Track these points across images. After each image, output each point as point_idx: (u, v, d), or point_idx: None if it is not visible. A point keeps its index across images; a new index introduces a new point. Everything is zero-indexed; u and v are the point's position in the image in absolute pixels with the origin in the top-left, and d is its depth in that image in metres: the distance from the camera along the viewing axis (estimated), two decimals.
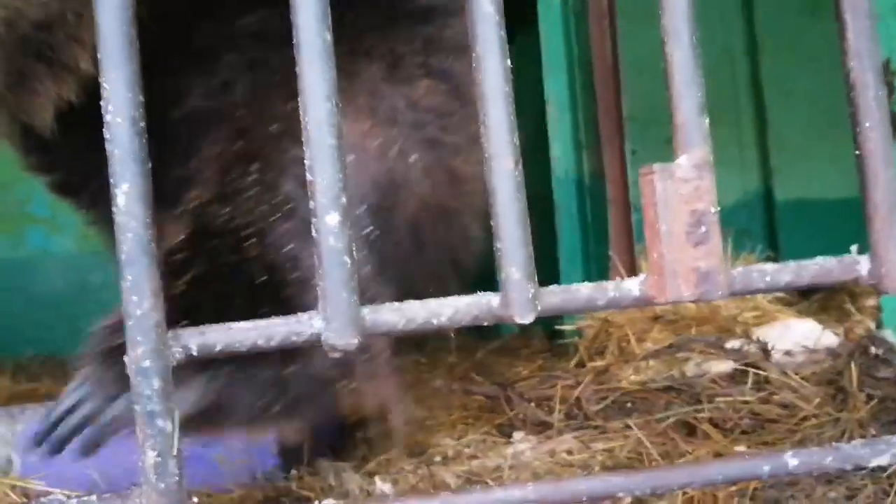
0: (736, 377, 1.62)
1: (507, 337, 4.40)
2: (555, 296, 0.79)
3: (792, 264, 0.83)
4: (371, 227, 1.20)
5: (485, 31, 0.78)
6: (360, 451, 2.15)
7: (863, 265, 0.83)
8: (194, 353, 0.76)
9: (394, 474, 1.78)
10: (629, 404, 1.73)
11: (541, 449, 1.75)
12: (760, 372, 1.57)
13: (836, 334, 1.76)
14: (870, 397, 1.30)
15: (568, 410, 1.88)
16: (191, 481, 1.75)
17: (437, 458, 1.96)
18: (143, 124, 0.73)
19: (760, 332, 1.82)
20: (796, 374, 1.53)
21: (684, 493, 1.34)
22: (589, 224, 4.12)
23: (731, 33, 4.34)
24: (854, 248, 0.85)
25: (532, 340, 4.22)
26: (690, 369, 1.83)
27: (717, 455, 1.34)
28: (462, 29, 1.47)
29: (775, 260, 1.47)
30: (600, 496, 0.79)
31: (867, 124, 0.83)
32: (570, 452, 1.64)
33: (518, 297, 0.77)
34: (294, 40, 0.76)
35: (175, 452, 0.74)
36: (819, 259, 0.84)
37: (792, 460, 0.83)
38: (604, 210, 3.99)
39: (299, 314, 0.78)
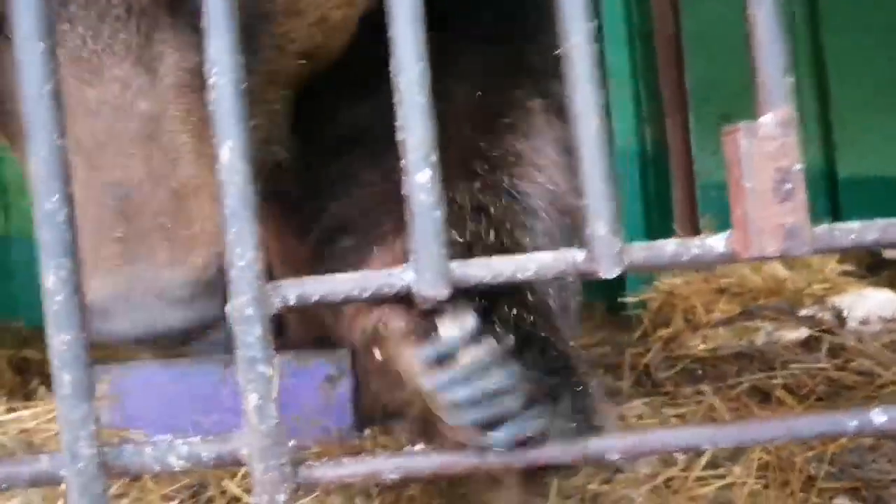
0: (810, 344, 1.61)
1: None
2: (640, 251, 0.81)
3: (880, 221, 0.84)
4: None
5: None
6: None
7: None
8: (292, 303, 0.79)
9: None
10: (699, 371, 1.73)
11: (612, 414, 1.77)
12: (835, 339, 1.57)
13: None
14: None
15: (637, 378, 1.89)
16: None
17: None
18: (244, 86, 0.76)
19: (835, 300, 1.81)
20: (874, 341, 1.52)
21: (760, 459, 1.35)
22: (652, 197, 4.09)
23: (792, 5, 4.26)
24: None
25: (593, 314, 4.23)
26: (761, 337, 1.82)
27: None
28: None
29: None
30: (685, 448, 0.80)
31: None
32: (640, 417, 1.66)
33: (604, 252, 0.79)
34: (385, 7, 0.78)
35: (274, 396, 0.78)
36: None
37: (879, 417, 0.83)
38: (667, 183, 3.96)
39: (392, 268, 0.81)
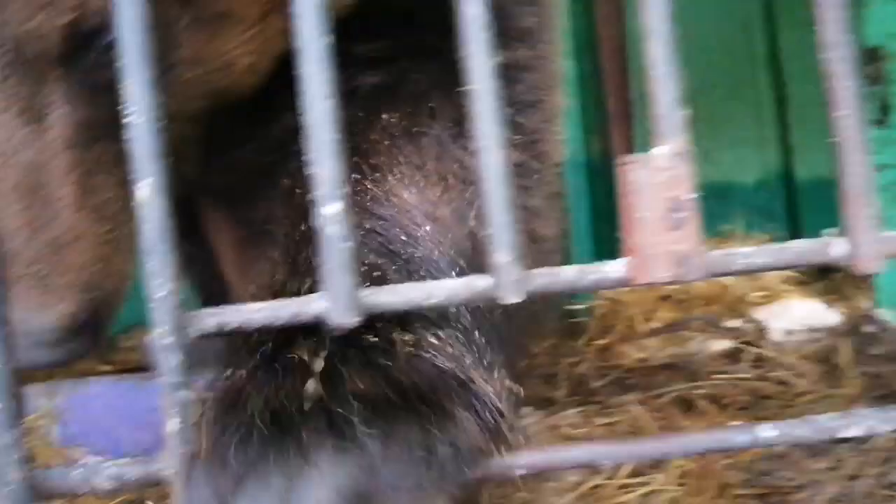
0: (734, 355, 1.67)
1: None
2: (541, 278, 0.85)
3: (769, 247, 0.89)
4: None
5: (470, 29, 0.83)
6: None
7: (838, 248, 0.88)
8: (210, 331, 0.82)
9: None
10: (630, 381, 1.79)
11: (545, 423, 1.82)
12: (758, 350, 1.63)
13: (842, 313, 1.80)
14: (862, 374, 1.35)
15: (573, 387, 1.94)
16: None
17: None
18: (161, 124, 0.79)
19: (760, 312, 1.87)
20: (795, 352, 1.58)
21: (681, 466, 1.40)
22: (600, 207, 4.16)
23: (749, 7, 4.31)
24: (831, 231, 0.90)
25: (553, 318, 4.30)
26: (693, 347, 1.88)
27: None
28: (534, 83, 1.45)
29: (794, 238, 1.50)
30: (581, 465, 0.84)
31: (842, 113, 0.87)
32: (573, 427, 1.70)
33: (507, 279, 0.83)
34: (295, 44, 0.82)
35: (195, 420, 0.81)
36: (797, 242, 0.89)
37: (770, 432, 0.88)
38: (613, 192, 4.02)
39: (306, 296, 0.84)
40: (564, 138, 1.80)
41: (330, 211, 0.81)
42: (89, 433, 2.06)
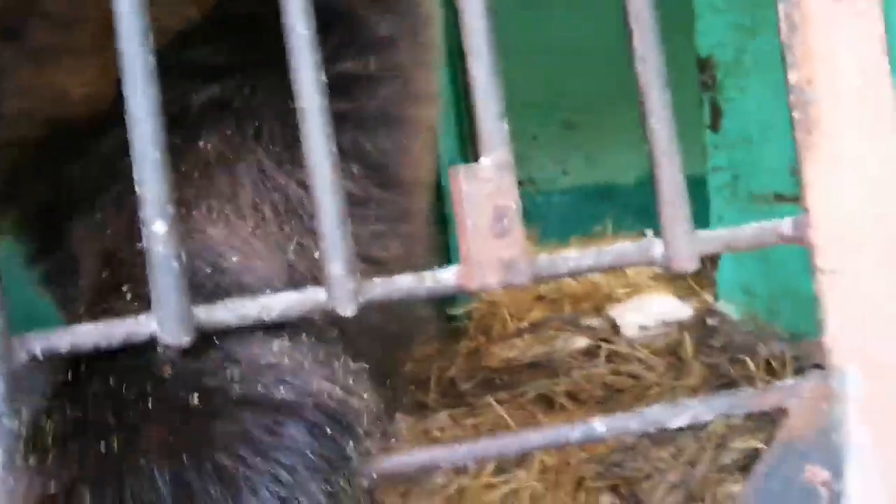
0: (592, 352, 1.73)
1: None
2: (377, 288, 0.87)
3: (594, 250, 0.93)
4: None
5: (296, 44, 0.84)
6: None
7: (657, 248, 0.93)
8: (39, 355, 0.81)
9: None
10: (497, 381, 1.83)
11: (417, 428, 1.84)
12: (613, 347, 1.69)
13: (693, 308, 1.89)
14: (703, 365, 1.42)
15: (444, 390, 1.97)
16: None
17: None
18: None
19: (617, 309, 1.95)
20: (646, 346, 1.66)
21: (542, 462, 1.45)
22: None
23: (620, 15, 4.46)
24: (650, 232, 0.95)
25: (428, 326, 4.36)
26: (558, 345, 1.94)
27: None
28: (389, 98, 1.40)
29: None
30: (430, 466, 0.87)
31: (652, 119, 0.93)
32: (441, 430, 1.73)
33: (341, 292, 0.84)
34: (119, 64, 0.81)
35: (21, 450, 0.80)
36: (619, 244, 0.94)
37: (600, 427, 0.92)
38: None
39: (137, 317, 0.83)
40: (434, 154, 1.73)
41: (158, 230, 0.80)
42: None
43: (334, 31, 1.25)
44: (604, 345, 1.68)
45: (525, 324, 2.32)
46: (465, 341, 2.65)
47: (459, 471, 1.48)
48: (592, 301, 2.47)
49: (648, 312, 1.85)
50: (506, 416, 1.58)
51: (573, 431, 0.91)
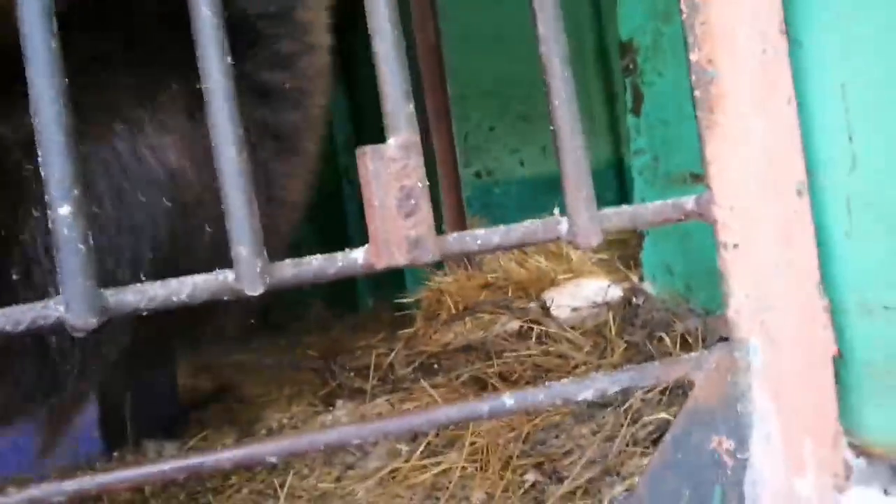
0: (525, 334, 1.76)
1: (360, 314, 4.58)
2: (286, 269, 0.88)
3: (501, 228, 0.95)
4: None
5: (203, 31, 0.85)
6: (192, 430, 2.21)
7: (563, 226, 0.96)
8: None
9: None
10: (435, 366, 1.85)
11: (356, 414, 1.86)
12: (543, 328, 1.73)
13: (623, 289, 1.92)
14: (626, 343, 1.46)
15: (384, 376, 1.99)
16: (8, 470, 1.75)
17: (263, 432, 2.05)
18: None
19: (551, 293, 1.98)
20: (576, 327, 1.69)
21: (473, 443, 1.47)
22: None
23: (579, 4, 4.50)
24: (556, 210, 0.97)
25: (382, 314, 4.38)
26: (496, 329, 1.96)
27: None
28: (294, 125, 1.43)
29: None
30: (335, 444, 0.88)
31: (556, 102, 0.95)
32: (379, 415, 1.75)
33: (247, 271, 0.86)
34: (23, 49, 0.81)
35: None
36: (527, 222, 0.96)
37: (509, 400, 0.95)
38: (436, 190, 4.12)
39: (45, 300, 0.84)
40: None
41: (63, 212, 0.81)
42: None
43: (245, 40, 1.29)
44: (535, 327, 1.72)
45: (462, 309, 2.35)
46: (407, 328, 2.68)
47: (394, 453, 1.50)
48: (536, 287, 2.50)
49: (580, 295, 1.89)
50: (438, 399, 1.61)
51: (483, 405, 0.94)
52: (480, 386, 1.64)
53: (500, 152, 4.49)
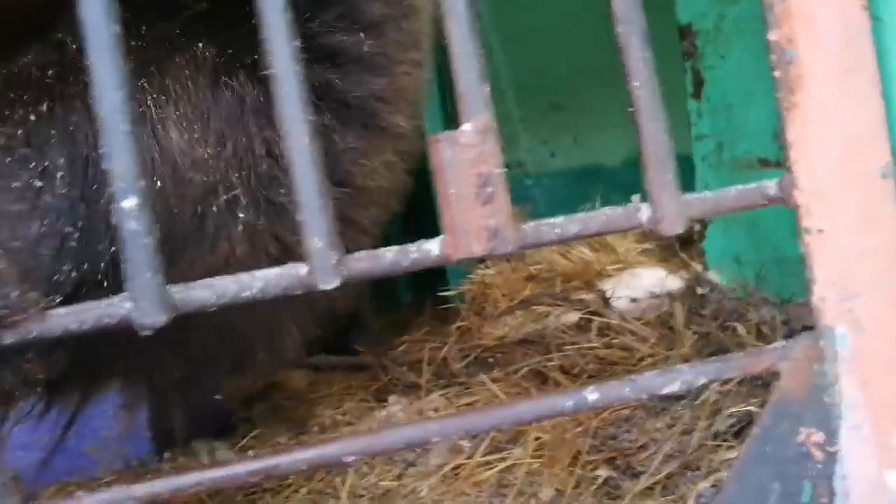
0: (584, 326, 1.72)
1: (403, 309, 4.54)
2: (361, 262, 0.84)
3: (580, 215, 0.91)
4: None
5: (271, 15, 0.81)
6: (242, 430, 2.19)
7: (644, 213, 0.91)
8: (5, 343, 0.78)
9: (269, 448, 1.82)
10: (490, 360, 1.82)
11: (411, 409, 1.82)
12: (604, 319, 1.68)
13: (682, 279, 1.87)
14: (695, 334, 1.41)
15: (437, 370, 1.95)
16: (61, 474, 1.73)
17: (315, 429, 2.02)
18: None
19: (608, 283, 1.93)
20: (638, 318, 1.64)
21: (538, 439, 1.43)
22: None
23: None
24: (636, 197, 0.93)
25: (425, 309, 4.35)
26: (550, 321, 1.92)
27: None
28: (385, 43, 1.27)
29: None
30: (409, 444, 0.85)
31: (636, 83, 0.90)
32: (436, 410, 1.71)
33: (322, 264, 0.82)
34: (82, 33, 0.78)
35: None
36: (606, 209, 0.92)
37: (592, 395, 0.90)
38: None
39: (111, 297, 0.81)
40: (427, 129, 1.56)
41: (128, 205, 0.78)
42: None
43: (329, 6, 1.18)
44: (595, 318, 1.67)
45: (515, 302, 2.30)
46: (457, 322, 2.63)
47: (455, 450, 1.46)
48: (583, 278, 2.44)
49: (638, 285, 1.84)
50: (500, 393, 1.57)
51: (566, 401, 0.89)
52: (541, 380, 1.59)
53: (531, 143, 4.43)
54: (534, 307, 1.96)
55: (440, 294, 3.63)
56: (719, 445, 1.09)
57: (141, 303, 0.78)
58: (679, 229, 0.89)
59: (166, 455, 1.97)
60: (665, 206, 0.90)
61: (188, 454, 1.95)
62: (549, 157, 4.45)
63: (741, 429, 1.11)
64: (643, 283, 1.84)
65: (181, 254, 1.08)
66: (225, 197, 1.08)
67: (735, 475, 0.95)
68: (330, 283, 0.82)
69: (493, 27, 4.07)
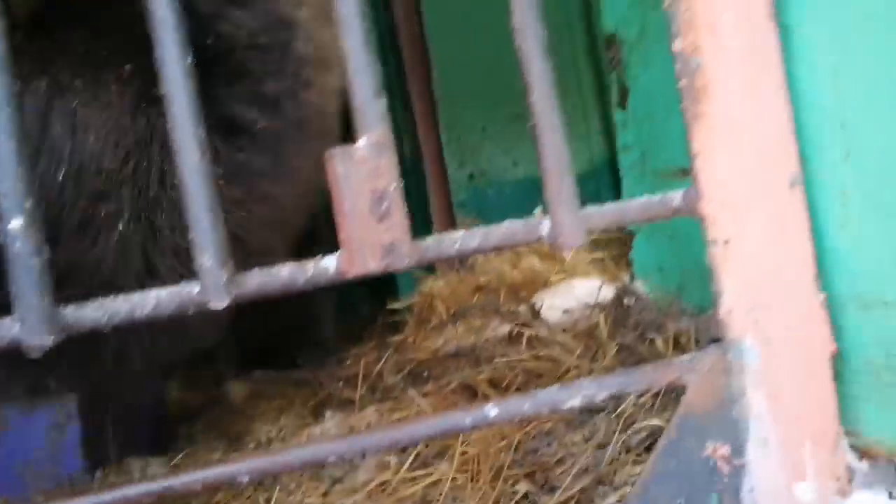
0: (514, 338, 1.72)
1: (356, 322, 4.53)
2: (253, 279, 0.84)
3: (480, 229, 0.91)
4: None
5: (162, 33, 0.81)
6: (181, 445, 2.16)
7: (544, 226, 0.91)
8: None
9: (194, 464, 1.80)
10: (425, 373, 1.81)
11: (345, 425, 1.81)
12: (534, 332, 1.68)
13: (616, 289, 1.88)
14: (618, 345, 1.42)
15: (373, 385, 1.94)
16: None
17: (251, 445, 2.00)
18: None
19: (542, 295, 1.94)
20: (567, 330, 1.65)
21: (464, 454, 1.42)
22: (413, 203, 4.19)
23: (569, 5, 4.46)
24: (538, 210, 0.93)
25: (377, 321, 4.33)
26: (488, 334, 1.92)
27: None
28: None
29: None
30: (310, 463, 0.84)
31: (534, 96, 0.91)
32: (368, 425, 1.70)
33: (213, 283, 0.81)
34: None
35: None
36: (506, 223, 0.92)
37: (492, 410, 0.90)
38: (425, 190, 4.08)
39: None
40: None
41: (15, 225, 0.77)
42: None
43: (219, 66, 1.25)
44: (526, 331, 1.68)
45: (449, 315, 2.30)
46: (398, 336, 2.63)
47: (383, 466, 1.46)
48: (530, 289, 2.45)
49: (572, 295, 1.85)
50: (427, 407, 1.57)
51: (465, 417, 0.89)
52: (471, 393, 1.60)
53: (494, 153, 4.44)
54: (470, 320, 1.97)
55: (389, 307, 3.63)
56: (630, 460, 1.09)
57: (28, 324, 0.77)
58: (578, 242, 0.90)
59: (97, 474, 1.93)
60: (563, 219, 0.90)
61: (121, 472, 1.91)
62: (512, 166, 4.47)
63: (653, 442, 1.12)
64: (576, 294, 1.85)
65: (67, 241, 1.14)
66: (113, 206, 1.15)
67: (639, 490, 0.96)
68: (221, 302, 0.82)
69: (453, 34, 4.08)
